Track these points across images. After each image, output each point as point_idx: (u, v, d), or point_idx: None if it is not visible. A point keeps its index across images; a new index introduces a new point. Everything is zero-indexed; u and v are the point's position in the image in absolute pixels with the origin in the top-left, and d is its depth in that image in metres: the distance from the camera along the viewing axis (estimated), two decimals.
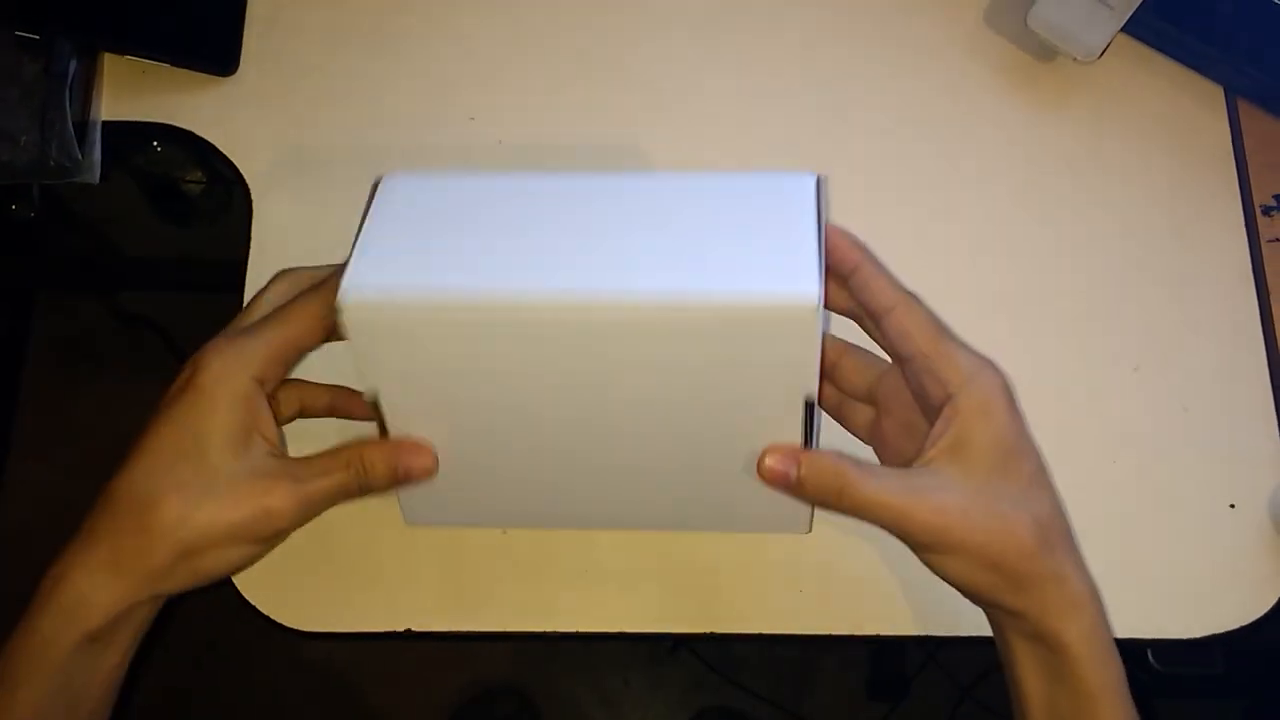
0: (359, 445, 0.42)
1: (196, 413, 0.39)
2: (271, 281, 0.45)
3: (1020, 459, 0.41)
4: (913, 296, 0.43)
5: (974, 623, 0.50)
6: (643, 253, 0.38)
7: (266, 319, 0.42)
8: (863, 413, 0.48)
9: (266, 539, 0.41)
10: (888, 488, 0.40)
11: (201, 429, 0.39)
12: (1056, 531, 0.41)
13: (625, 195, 0.40)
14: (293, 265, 0.55)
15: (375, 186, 0.41)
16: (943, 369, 0.41)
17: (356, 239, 0.39)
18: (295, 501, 0.40)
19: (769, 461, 0.41)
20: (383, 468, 0.41)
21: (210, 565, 0.40)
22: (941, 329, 0.42)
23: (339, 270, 0.38)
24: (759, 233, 0.38)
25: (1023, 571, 0.40)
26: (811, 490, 0.40)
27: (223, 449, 0.39)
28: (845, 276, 0.43)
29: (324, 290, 0.42)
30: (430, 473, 0.42)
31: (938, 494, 0.40)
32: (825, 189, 0.40)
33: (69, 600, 0.38)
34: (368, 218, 0.40)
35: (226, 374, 0.40)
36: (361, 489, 0.42)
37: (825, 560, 0.52)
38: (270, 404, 0.42)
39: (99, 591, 0.38)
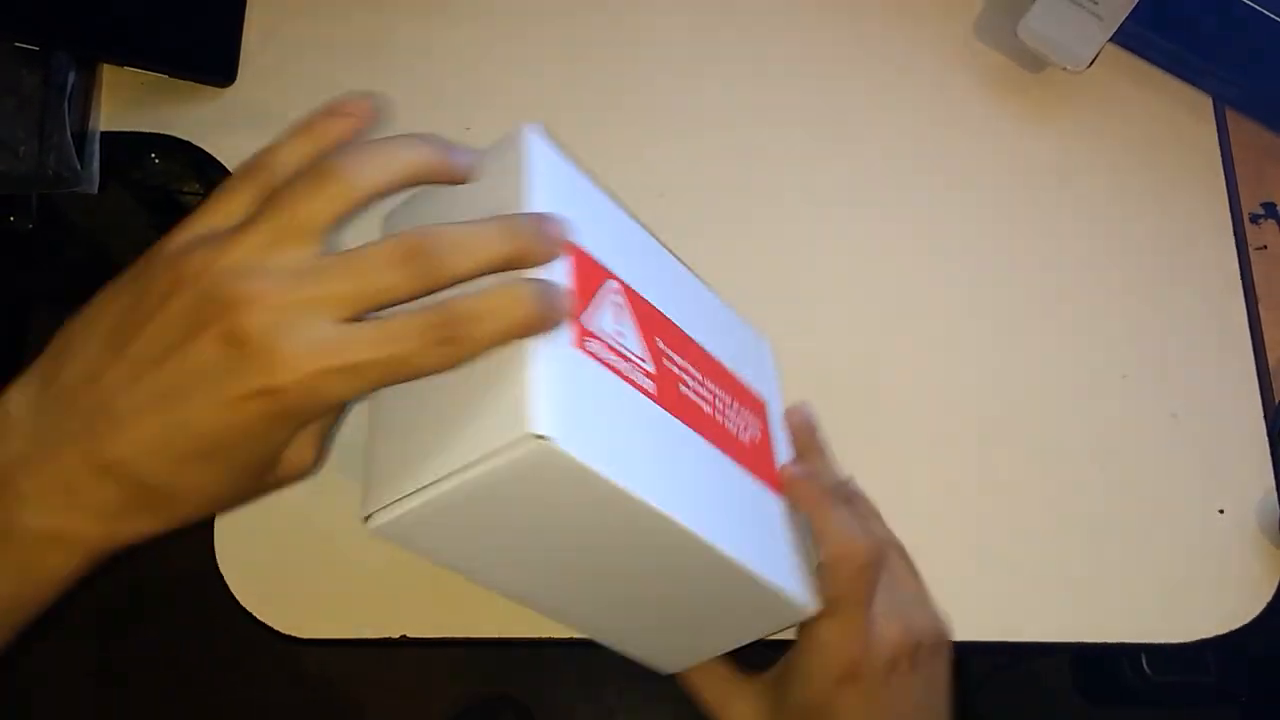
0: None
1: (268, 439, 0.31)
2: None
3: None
4: (869, 554, 0.41)
5: (974, 629, 0.51)
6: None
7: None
8: None
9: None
10: (710, 681, 0.46)
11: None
12: None
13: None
14: None
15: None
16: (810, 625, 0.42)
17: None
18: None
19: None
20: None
21: None
22: (846, 592, 0.41)
23: None
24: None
25: None
26: None
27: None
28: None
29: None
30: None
31: (740, 707, 0.45)
32: None
33: None
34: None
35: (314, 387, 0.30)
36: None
37: None
38: None
39: None
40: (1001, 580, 0.52)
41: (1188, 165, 0.61)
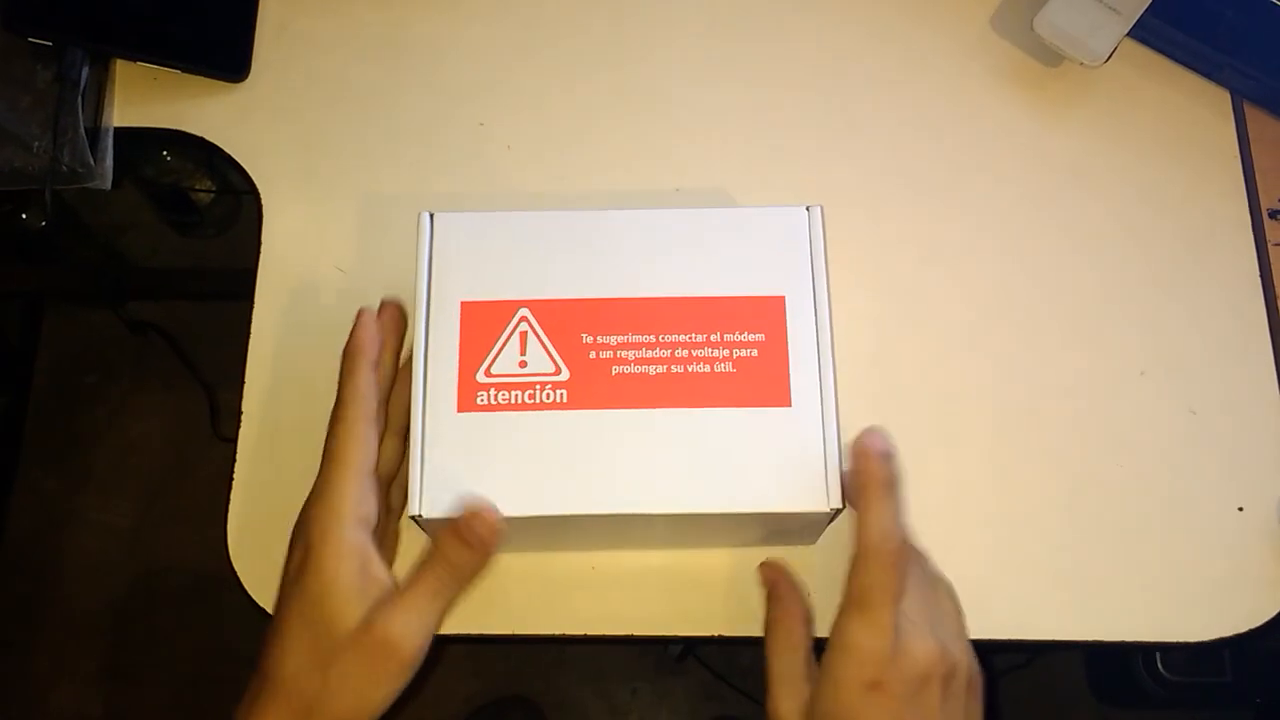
0: (432, 542, 0.43)
1: (316, 583, 0.42)
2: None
3: None
4: (902, 549, 0.41)
5: (983, 627, 0.50)
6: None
7: (335, 464, 0.44)
8: None
9: (405, 667, 0.42)
10: (783, 666, 0.44)
11: (322, 595, 0.42)
12: None
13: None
14: (301, 274, 0.56)
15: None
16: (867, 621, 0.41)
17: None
18: (404, 623, 0.42)
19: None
20: (457, 547, 0.42)
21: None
22: (874, 583, 0.40)
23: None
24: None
25: None
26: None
27: (343, 609, 0.42)
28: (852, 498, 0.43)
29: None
30: (499, 529, 0.42)
31: (788, 705, 0.43)
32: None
33: None
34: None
35: (330, 534, 0.42)
36: (456, 576, 0.43)
37: (832, 565, 0.52)
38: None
39: None
40: (1016, 578, 0.52)
41: (1206, 161, 0.60)
